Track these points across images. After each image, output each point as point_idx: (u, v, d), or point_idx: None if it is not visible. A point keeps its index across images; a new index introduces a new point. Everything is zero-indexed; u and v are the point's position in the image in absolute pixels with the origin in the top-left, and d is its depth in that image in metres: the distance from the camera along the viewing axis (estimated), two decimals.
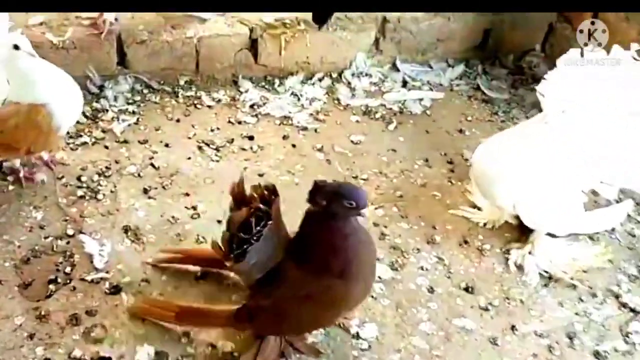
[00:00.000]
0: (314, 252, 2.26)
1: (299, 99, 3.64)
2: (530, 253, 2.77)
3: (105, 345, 2.45)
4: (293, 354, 2.46)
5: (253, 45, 3.72)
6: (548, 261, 2.75)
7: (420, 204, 3.08)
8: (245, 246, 2.21)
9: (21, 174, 3.02)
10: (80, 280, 2.66)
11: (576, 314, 2.66)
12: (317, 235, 2.26)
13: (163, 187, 3.09)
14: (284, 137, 3.42)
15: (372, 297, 2.67)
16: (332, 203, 2.19)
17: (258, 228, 2.20)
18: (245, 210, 2.22)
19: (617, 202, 2.85)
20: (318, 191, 2.21)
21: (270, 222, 2.20)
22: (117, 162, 3.19)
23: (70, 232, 2.84)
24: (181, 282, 2.70)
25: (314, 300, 2.24)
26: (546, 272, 2.74)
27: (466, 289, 2.73)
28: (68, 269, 2.69)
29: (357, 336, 2.53)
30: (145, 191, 3.06)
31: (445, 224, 2.99)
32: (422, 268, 2.79)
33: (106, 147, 3.27)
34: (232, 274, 2.59)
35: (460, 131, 3.53)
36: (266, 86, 3.74)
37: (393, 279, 2.74)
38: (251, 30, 3.67)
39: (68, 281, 2.65)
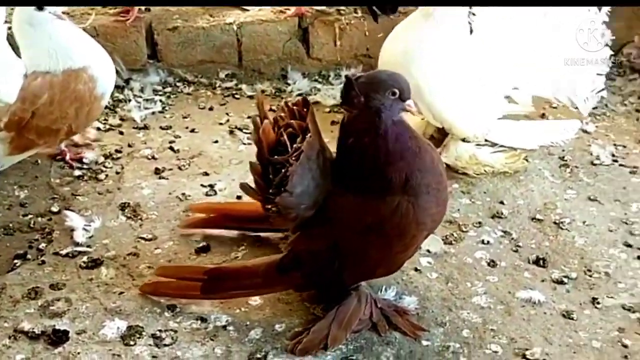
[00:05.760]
0: (364, 169, 1.72)
1: None
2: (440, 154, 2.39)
3: (65, 320, 1.87)
4: (387, 331, 1.85)
5: (304, 36, 3.21)
6: (453, 159, 2.53)
7: None
8: (284, 170, 1.70)
9: (67, 157, 2.55)
10: (53, 254, 2.13)
11: None
12: (363, 147, 1.71)
13: (179, 168, 2.56)
14: (332, 123, 2.82)
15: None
16: (371, 96, 1.68)
17: (295, 145, 1.71)
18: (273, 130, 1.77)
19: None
20: (352, 86, 1.69)
21: (308, 135, 1.70)
22: (130, 145, 2.69)
23: (54, 209, 2.31)
24: (177, 255, 2.11)
25: (379, 229, 1.74)
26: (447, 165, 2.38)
27: None
28: (42, 245, 2.17)
29: None
30: (157, 171, 2.53)
31: None
32: None
33: (121, 133, 2.78)
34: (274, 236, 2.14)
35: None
36: (319, 79, 3.20)
37: None
38: (300, 17, 3.18)
39: (38, 257, 2.10)
